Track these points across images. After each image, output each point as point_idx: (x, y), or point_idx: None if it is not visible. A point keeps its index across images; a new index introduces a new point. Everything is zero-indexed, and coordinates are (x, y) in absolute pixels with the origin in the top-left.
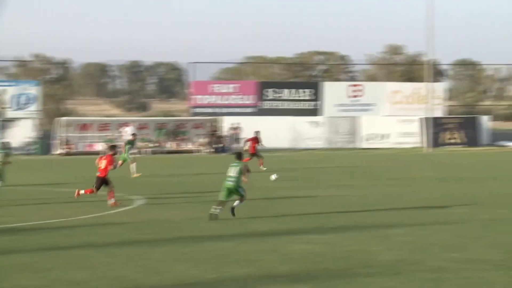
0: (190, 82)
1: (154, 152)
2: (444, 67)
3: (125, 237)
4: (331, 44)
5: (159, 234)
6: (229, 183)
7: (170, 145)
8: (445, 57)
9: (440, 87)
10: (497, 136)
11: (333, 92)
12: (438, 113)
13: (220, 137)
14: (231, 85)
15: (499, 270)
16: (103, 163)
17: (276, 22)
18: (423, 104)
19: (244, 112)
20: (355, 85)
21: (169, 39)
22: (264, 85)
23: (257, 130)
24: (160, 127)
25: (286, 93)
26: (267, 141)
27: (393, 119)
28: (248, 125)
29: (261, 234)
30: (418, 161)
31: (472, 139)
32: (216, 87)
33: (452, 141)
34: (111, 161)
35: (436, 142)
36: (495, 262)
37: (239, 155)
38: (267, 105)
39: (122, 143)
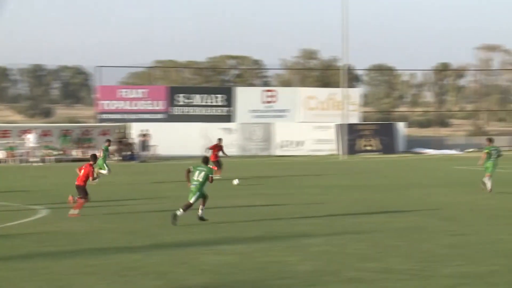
0: (97, 87)
1: (58, 160)
2: (360, 72)
3: (28, 250)
4: (244, 49)
5: (64, 246)
6: (193, 187)
7: (76, 153)
8: (361, 62)
9: (356, 93)
10: (413, 143)
11: (246, 98)
12: (354, 119)
13: (128, 144)
14: (140, 90)
15: (414, 280)
16: (82, 172)
17: (187, 25)
18: (339, 110)
19: (154, 118)
20: (269, 90)
21: (74, 42)
22: (175, 90)
23: (219, 137)
24: (64, 134)
25: (197, 98)
26: (178, 149)
27: (308, 125)
28: (158, 132)
29: (171, 245)
30: (334, 168)
31: (388, 146)
32: (124, 92)
33: (368, 148)
34: (91, 171)
35: (352, 149)
36: (411, 272)
37: (205, 160)
38: (177, 111)
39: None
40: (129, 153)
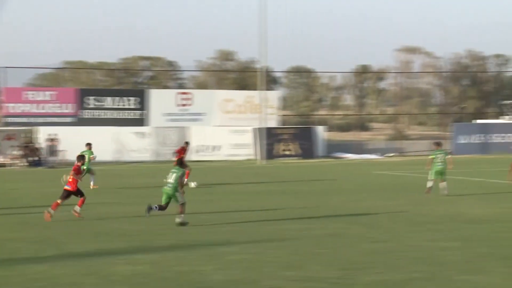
0: (1, 89)
1: None
2: (278, 74)
3: None
4: (158, 49)
5: None
6: (167, 188)
7: None
8: (279, 64)
9: (274, 96)
10: (333, 148)
11: (161, 101)
12: (272, 123)
13: (35, 149)
14: (48, 93)
15: None
16: (71, 173)
17: (98, 24)
18: (257, 114)
19: (63, 122)
20: (184, 93)
21: None
22: (85, 93)
23: (187, 140)
24: None
25: (109, 101)
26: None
27: (225, 129)
28: (67, 136)
29: (79, 255)
30: (252, 174)
31: (307, 151)
32: (31, 95)
33: (287, 152)
34: (79, 172)
35: (270, 154)
36: (331, 280)
37: (180, 162)
38: (88, 114)
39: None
40: (36, 158)
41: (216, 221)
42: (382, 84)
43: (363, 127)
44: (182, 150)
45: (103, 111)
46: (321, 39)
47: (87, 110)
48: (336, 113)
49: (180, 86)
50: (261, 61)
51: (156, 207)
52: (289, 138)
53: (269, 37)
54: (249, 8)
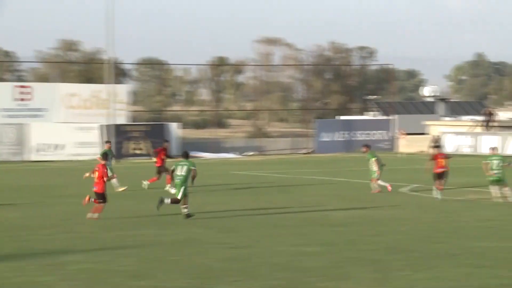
0: None
1: None
2: (128, 66)
3: None
4: None
5: None
6: (178, 181)
7: None
8: (129, 56)
9: (123, 90)
10: (188, 146)
11: None
12: (122, 119)
13: None
14: None
15: None
16: (96, 175)
17: None
18: (104, 109)
19: None
20: (22, 87)
21: None
22: None
23: (166, 139)
24: None
25: None
26: None
27: (69, 126)
28: None
29: None
30: None
31: None
32: None
33: (138, 151)
34: (105, 172)
35: (119, 153)
36: None
37: (185, 154)
38: None
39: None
40: None
41: (55, 226)
42: (241, 78)
43: (221, 124)
44: (163, 150)
45: None
46: (175, 28)
47: None
48: (191, 108)
49: (19, 79)
50: (108, 52)
51: (168, 201)
52: (140, 136)
53: (117, 25)
54: None
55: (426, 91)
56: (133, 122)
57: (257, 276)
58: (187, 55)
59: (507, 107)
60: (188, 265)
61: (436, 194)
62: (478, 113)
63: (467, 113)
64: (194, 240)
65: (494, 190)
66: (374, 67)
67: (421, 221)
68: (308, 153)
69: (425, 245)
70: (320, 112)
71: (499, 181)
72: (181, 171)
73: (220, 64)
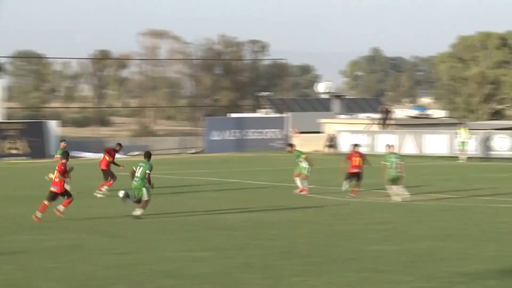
0: None
1: None
2: (2, 60)
3: None
4: None
5: None
6: (135, 183)
7: None
8: (3, 49)
9: None
10: (69, 145)
11: None
12: None
13: None
14: None
15: None
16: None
17: None
18: None
19: None
20: None
21: None
22: None
23: (119, 142)
24: None
25: None
26: None
27: None
28: None
29: None
30: None
31: (38, 149)
32: None
33: (14, 151)
34: (65, 171)
35: None
36: None
37: (147, 155)
38: None
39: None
40: None
41: None
42: (125, 73)
43: (103, 122)
44: (111, 151)
45: None
46: (53, 19)
47: None
48: (72, 105)
49: None
50: None
51: (134, 197)
52: (16, 134)
53: None
54: None
55: (321, 88)
56: (8, 120)
57: (143, 284)
58: (67, 48)
59: (404, 104)
60: (70, 273)
61: (344, 187)
62: (375, 111)
63: (363, 111)
64: (75, 246)
65: (392, 190)
66: (266, 62)
67: (317, 224)
68: (197, 152)
69: (321, 249)
70: (210, 109)
71: (398, 180)
72: (139, 172)
73: (102, 58)
